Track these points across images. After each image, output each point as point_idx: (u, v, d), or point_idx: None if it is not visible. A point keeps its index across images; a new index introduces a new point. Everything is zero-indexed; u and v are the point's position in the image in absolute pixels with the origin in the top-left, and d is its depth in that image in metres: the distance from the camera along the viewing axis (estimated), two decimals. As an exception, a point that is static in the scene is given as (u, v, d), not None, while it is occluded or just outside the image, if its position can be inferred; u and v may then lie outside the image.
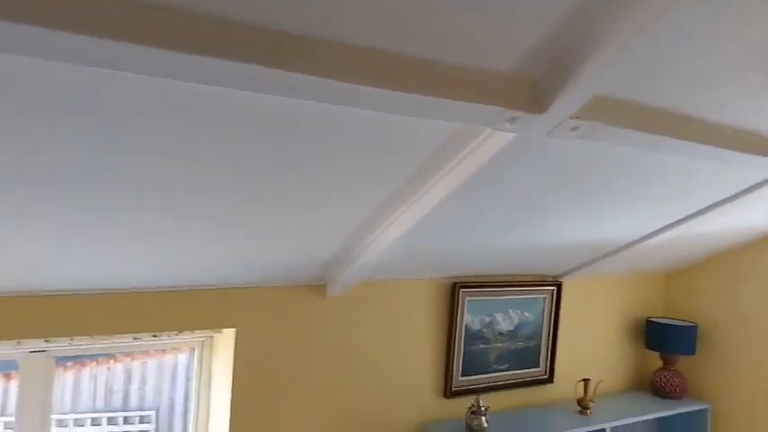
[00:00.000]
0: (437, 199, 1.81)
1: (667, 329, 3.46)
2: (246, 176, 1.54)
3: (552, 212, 2.27)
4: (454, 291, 2.92)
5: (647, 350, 3.58)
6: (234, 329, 2.40)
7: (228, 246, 1.99)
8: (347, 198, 1.81)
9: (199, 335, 2.52)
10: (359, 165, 1.61)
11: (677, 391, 3.39)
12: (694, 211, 2.50)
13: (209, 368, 2.54)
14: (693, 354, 3.41)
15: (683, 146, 1.70)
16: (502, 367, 3.14)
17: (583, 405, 3.07)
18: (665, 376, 3.43)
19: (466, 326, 2.99)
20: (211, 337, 2.55)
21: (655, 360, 3.55)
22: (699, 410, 3.34)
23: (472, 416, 2.72)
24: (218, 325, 2.40)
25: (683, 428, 3.41)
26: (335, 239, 2.13)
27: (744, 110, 1.72)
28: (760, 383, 3.26)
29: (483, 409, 2.72)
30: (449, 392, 2.92)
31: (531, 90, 1.36)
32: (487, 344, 3.08)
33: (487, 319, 3.08)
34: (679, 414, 3.28)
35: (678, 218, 2.57)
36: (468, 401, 2.85)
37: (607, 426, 2.96)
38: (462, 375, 3.00)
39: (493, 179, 1.79)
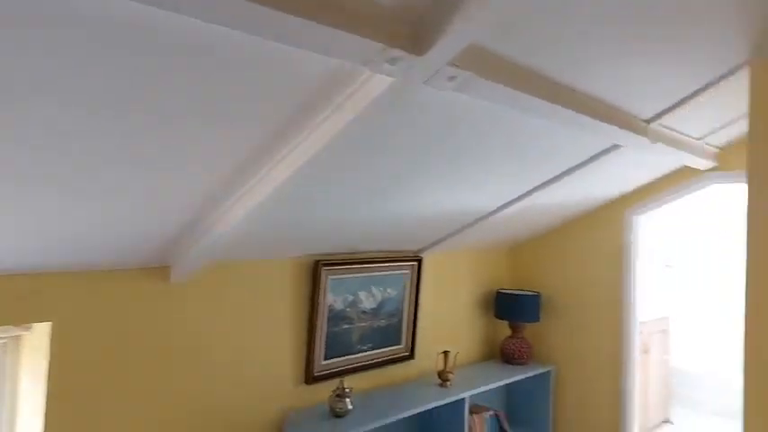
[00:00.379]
0: (300, 161, 1.62)
1: (514, 299, 3.67)
2: (63, 117, 1.19)
3: (417, 177, 2.20)
4: (316, 269, 2.74)
5: (497, 320, 3.77)
6: (49, 324, 1.95)
7: (40, 217, 1.58)
8: (195, 156, 1.53)
9: (1, 334, 2.02)
10: (212, 114, 1.35)
11: (524, 356, 3.61)
12: (548, 178, 2.62)
13: (15, 374, 2.04)
14: (538, 321, 3.66)
15: (547, 108, 1.72)
16: (365, 347, 3.05)
17: (443, 377, 3.11)
18: (513, 343, 3.64)
19: (329, 306, 2.84)
20: (18, 336, 2.06)
21: (504, 329, 3.76)
22: (543, 373, 3.60)
23: (336, 399, 2.59)
24: (26, 320, 1.94)
25: (530, 390, 3.65)
26: (180, 210, 1.82)
27: (603, 79, 1.79)
28: (594, 345, 3.61)
29: (347, 390, 2.60)
30: (311, 378, 2.75)
31: (412, 29, 1.23)
32: (351, 324, 2.97)
33: (351, 298, 2.96)
34: (526, 377, 3.50)
35: (533, 186, 2.68)
36: (331, 385, 2.71)
37: (465, 395, 3.03)
38: (325, 359, 2.84)
39: (364, 136, 1.65)
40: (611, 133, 2.12)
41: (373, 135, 1.70)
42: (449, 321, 3.55)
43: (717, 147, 2.98)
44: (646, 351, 4.58)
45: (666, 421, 5.06)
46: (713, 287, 5.45)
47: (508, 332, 3.71)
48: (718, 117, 2.59)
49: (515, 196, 2.78)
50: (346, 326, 2.94)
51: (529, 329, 3.75)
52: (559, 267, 3.77)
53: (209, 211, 1.89)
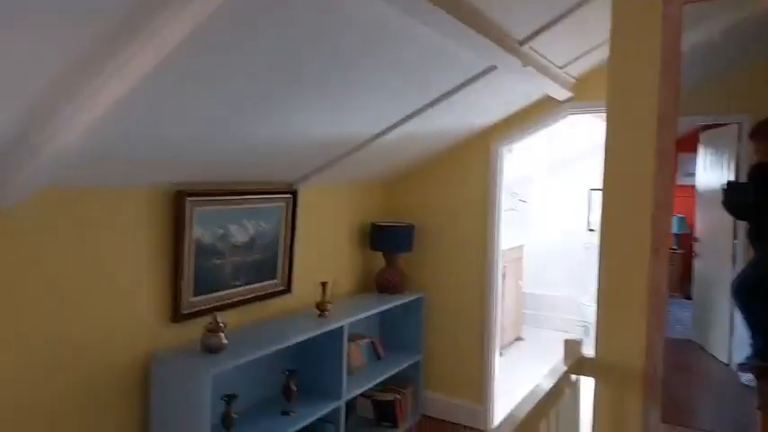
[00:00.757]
0: (145, 66, 1.39)
1: (388, 231, 3.72)
2: None
3: (288, 93, 2.03)
4: (180, 200, 2.48)
5: (373, 252, 3.80)
6: None
7: None
8: (15, 53, 1.22)
9: None
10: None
11: (398, 285, 3.70)
12: (426, 102, 2.60)
13: None
14: (411, 251, 3.76)
15: (430, 11, 1.65)
16: (239, 282, 2.88)
17: (321, 308, 3.07)
18: (387, 273, 3.71)
19: (196, 240, 2.61)
20: None
21: (379, 260, 3.80)
22: (415, 299, 3.73)
23: (209, 334, 2.42)
24: None
25: (403, 316, 3.78)
26: (3, 116, 1.48)
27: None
28: (461, 272, 3.80)
29: (221, 325, 2.44)
30: (179, 316, 2.53)
31: None
32: (222, 258, 2.77)
33: (220, 232, 2.75)
34: (400, 304, 3.60)
35: (411, 110, 2.65)
36: (202, 323, 2.52)
37: (344, 323, 3.03)
38: (194, 296, 2.63)
39: (224, 36, 1.45)
40: (489, 52, 2.14)
41: (236, 35, 1.50)
42: (326, 255, 3.50)
43: (573, 77, 3.20)
44: (503, 277, 4.99)
45: (519, 338, 5.63)
46: (557, 218, 6.06)
47: (383, 263, 3.77)
48: (579, 45, 2.76)
49: (392, 122, 2.74)
50: (217, 261, 2.74)
51: (402, 260, 3.84)
52: (430, 199, 3.88)
53: (39, 125, 1.56)
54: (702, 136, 5.33)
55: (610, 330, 2.10)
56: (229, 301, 2.80)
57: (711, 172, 5.65)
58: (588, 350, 2.16)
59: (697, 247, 5.31)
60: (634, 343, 2.04)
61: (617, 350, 2.07)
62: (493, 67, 2.37)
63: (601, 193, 2.19)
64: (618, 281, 2.09)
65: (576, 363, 2.10)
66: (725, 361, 2.76)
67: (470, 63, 2.32)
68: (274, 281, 3.10)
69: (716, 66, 3.48)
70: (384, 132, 2.79)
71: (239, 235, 2.87)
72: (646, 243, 2.05)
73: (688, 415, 2.04)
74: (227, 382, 2.55)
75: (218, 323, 2.43)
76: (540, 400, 1.68)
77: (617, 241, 2.12)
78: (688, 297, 5.55)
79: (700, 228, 5.36)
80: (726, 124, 4.04)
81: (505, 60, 2.27)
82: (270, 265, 3.07)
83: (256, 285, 2.99)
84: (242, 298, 2.89)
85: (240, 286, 2.88)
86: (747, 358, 2.11)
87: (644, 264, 2.05)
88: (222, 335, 2.44)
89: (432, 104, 2.59)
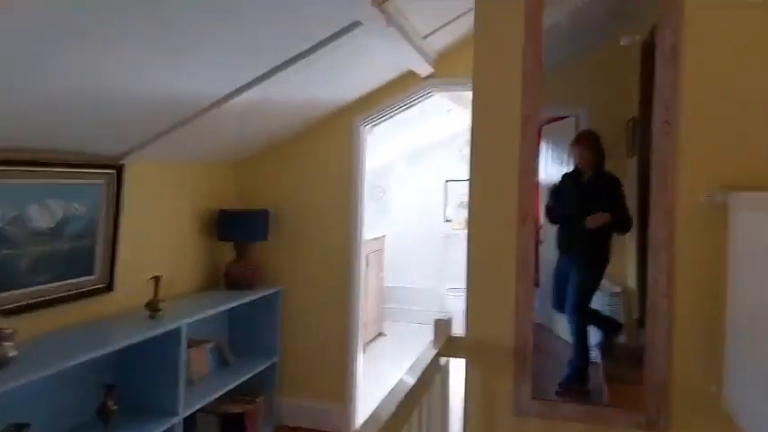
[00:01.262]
0: None
1: (239, 217, 3.30)
2: None
3: (97, 36, 1.57)
4: (-55, 168, 1.85)
5: (221, 242, 3.34)
6: None
7: None
8: None
9: None
10: None
11: (250, 279, 3.29)
12: (282, 61, 2.25)
13: None
14: (266, 239, 3.37)
15: None
16: (40, 279, 2.26)
17: (153, 307, 2.56)
18: (238, 267, 3.28)
19: (-27, 223, 1.98)
20: None
21: (229, 251, 3.35)
22: (270, 295, 3.35)
23: (-11, 346, 1.82)
24: None
25: (256, 314, 3.36)
26: None
27: None
28: (322, 263, 3.49)
29: (7, 332, 1.85)
30: (-55, 324, 1.89)
31: None
32: (16, 248, 2.15)
33: (15, 214, 2.14)
34: (252, 301, 3.20)
35: (263, 71, 2.29)
36: (-17, 331, 1.90)
37: (181, 324, 2.55)
38: (-29, 297, 2.00)
39: None
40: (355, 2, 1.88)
41: None
42: (162, 246, 2.96)
43: (435, 52, 3.08)
44: (365, 268, 4.80)
45: (381, 334, 5.49)
46: (415, 209, 6.07)
47: (233, 255, 3.32)
48: (442, 13, 2.63)
49: (240, 84, 2.35)
50: (8, 250, 2.12)
51: (256, 250, 3.43)
52: (288, 182, 3.53)
53: None
54: (544, 129, 5.71)
55: (480, 306, 1.98)
56: (26, 303, 2.19)
57: (551, 166, 6.04)
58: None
59: (542, 233, 5.68)
60: (504, 316, 1.96)
61: (487, 324, 1.96)
62: (357, 23, 2.11)
63: (468, 161, 2.05)
64: (487, 252, 1.98)
65: (447, 343, 1.95)
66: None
67: (331, 16, 2.04)
68: (91, 277, 2.51)
69: (559, 53, 3.61)
70: (230, 96, 2.39)
71: (41, 218, 2.27)
72: (513, 213, 1.96)
73: (550, 390, 2.02)
74: (16, 408, 1.96)
75: (0, 330, 1.84)
76: (409, 390, 1.48)
77: (484, 212, 2.01)
78: (536, 284, 5.90)
79: (543, 216, 5.77)
80: (564, 117, 4.22)
81: (369, 15, 2.03)
82: (85, 258, 2.48)
83: (66, 283, 2.39)
84: (45, 298, 2.28)
85: (43, 284, 2.27)
86: (566, 381, 2.02)
87: (512, 234, 1.96)
88: (9, 345, 1.85)
89: (287, 64, 2.25)
